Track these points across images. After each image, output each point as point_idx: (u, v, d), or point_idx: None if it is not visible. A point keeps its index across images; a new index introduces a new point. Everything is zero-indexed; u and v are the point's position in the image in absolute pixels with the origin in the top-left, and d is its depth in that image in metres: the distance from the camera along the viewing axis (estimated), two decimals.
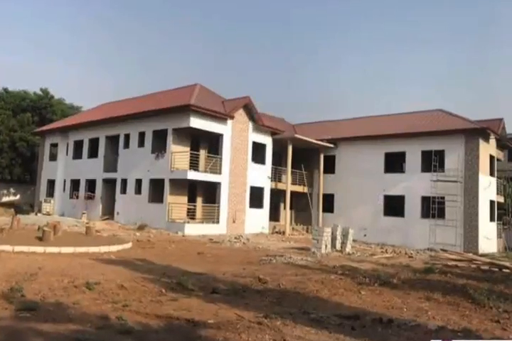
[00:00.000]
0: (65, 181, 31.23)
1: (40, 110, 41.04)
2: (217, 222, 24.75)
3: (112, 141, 28.11)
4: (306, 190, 31.18)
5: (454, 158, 25.40)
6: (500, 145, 29.30)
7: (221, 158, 25.13)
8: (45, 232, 14.64)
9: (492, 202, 27.18)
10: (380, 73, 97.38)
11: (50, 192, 32.12)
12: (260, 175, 27.84)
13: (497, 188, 28.38)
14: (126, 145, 26.90)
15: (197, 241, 20.20)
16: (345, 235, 19.65)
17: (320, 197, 30.75)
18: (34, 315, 6.42)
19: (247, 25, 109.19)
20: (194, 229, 23.00)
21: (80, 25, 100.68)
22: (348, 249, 19.45)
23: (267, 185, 28.47)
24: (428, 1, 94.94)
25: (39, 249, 13.07)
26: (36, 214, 29.07)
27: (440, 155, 25.81)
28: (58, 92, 65.13)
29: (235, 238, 22.35)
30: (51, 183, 32.39)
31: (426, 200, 26.03)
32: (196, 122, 23.65)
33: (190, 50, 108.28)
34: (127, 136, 26.93)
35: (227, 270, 11.75)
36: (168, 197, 24.01)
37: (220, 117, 24.80)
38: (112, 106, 32.90)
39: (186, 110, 23.24)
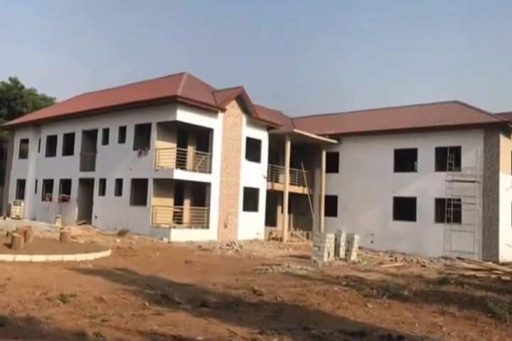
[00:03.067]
0: (36, 181, 31.12)
1: (8, 102, 40.94)
2: (207, 227, 24.75)
3: (90, 136, 28.04)
4: (306, 191, 31.22)
5: (472, 155, 25.48)
6: None
7: (211, 156, 25.12)
8: (14, 238, 14.58)
9: None
10: (389, 60, 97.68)
11: (20, 194, 32.02)
12: (255, 175, 27.85)
13: None
14: (105, 141, 26.84)
15: (184, 248, 20.19)
16: (349, 242, 19.68)
17: (322, 199, 30.80)
18: (2, 330, 6.38)
19: (241, 7, 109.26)
20: (181, 235, 22.98)
21: (53, 7, 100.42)
22: (353, 257, 19.48)
23: (263, 186, 28.49)
24: None
25: (8, 257, 13.02)
26: (4, 218, 28.95)
27: (456, 152, 25.89)
28: (29, 82, 65.04)
29: (227, 245, 22.36)
30: (21, 184, 32.29)
31: (440, 203, 26.12)
32: (183, 115, 23.62)
33: (177, 36, 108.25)
34: (106, 131, 26.88)
35: (218, 280, 11.75)
36: (152, 200, 23.98)
37: (210, 110, 24.78)
38: (89, 97, 32.84)
39: (172, 102, 23.22)
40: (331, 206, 30.53)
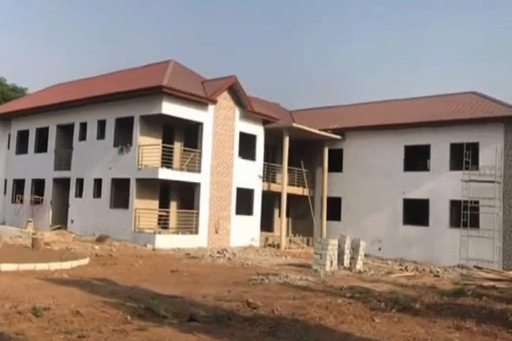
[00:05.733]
0: (6, 181, 31.08)
1: None
2: (196, 233, 24.74)
3: (65, 131, 28.00)
4: (306, 192, 31.26)
5: (491, 152, 25.52)
6: None
7: (200, 153, 25.12)
8: None
9: None
10: (398, 47, 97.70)
11: None
12: (249, 174, 27.86)
13: None
14: (83, 136, 26.82)
15: (170, 256, 20.21)
16: (354, 249, 19.72)
17: (323, 202, 30.83)
18: None
19: None
20: (167, 241, 22.97)
21: None
22: (359, 265, 19.52)
23: (258, 187, 28.51)
24: None
25: None
26: None
27: (473, 148, 25.94)
28: None
29: (218, 252, 22.38)
30: None
31: (456, 205, 26.18)
32: (170, 108, 23.60)
33: (162, 19, 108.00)
34: (84, 126, 26.84)
35: (208, 292, 11.76)
36: (135, 202, 23.96)
37: (200, 102, 24.77)
38: (65, 88, 32.74)
39: (157, 93, 23.18)
40: (334, 209, 30.55)
